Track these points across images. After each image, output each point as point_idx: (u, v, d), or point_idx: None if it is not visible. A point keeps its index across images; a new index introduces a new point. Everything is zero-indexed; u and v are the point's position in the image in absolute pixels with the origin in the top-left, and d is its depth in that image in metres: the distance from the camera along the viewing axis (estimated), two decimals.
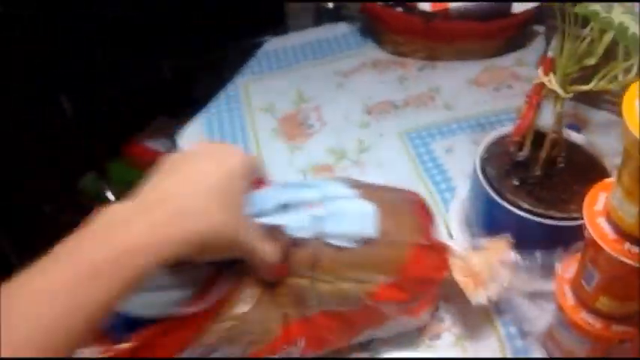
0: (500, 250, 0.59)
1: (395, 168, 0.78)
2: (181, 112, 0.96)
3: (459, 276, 0.58)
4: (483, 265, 0.58)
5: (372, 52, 0.97)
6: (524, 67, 0.92)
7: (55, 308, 0.38)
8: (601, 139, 0.70)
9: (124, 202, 0.44)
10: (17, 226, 1.15)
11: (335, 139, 0.83)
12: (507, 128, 0.66)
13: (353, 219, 0.55)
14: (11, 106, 0.96)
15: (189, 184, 0.46)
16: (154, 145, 1.39)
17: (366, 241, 0.54)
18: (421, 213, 0.60)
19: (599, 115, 0.83)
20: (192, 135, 0.86)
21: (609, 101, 0.83)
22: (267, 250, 0.50)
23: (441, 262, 0.58)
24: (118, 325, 0.48)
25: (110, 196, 1.28)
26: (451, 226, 0.69)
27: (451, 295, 0.63)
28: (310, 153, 0.81)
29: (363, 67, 0.94)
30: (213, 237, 0.45)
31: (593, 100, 0.84)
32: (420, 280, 0.56)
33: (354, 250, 0.54)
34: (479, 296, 0.57)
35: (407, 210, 0.59)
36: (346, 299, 0.54)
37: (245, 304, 0.52)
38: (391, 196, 0.60)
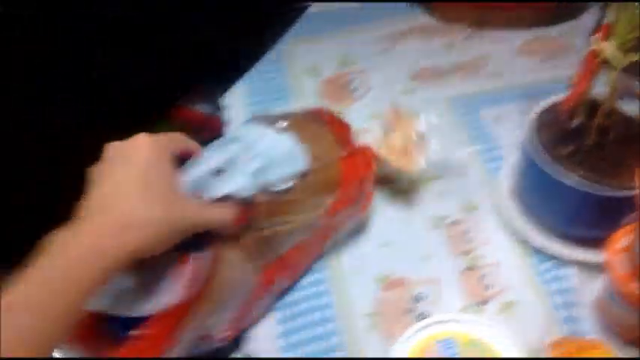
0: (411, 122, 0.70)
1: (441, 134, 0.77)
2: (227, 76, 0.96)
3: (389, 158, 0.68)
4: (403, 139, 0.69)
5: (419, 17, 0.96)
6: (575, 37, 0.89)
7: (32, 318, 0.41)
8: None
9: (62, 228, 0.46)
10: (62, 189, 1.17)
11: (380, 103, 0.82)
12: (560, 96, 0.64)
13: (284, 160, 0.59)
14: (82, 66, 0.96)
15: (116, 192, 0.47)
16: (199, 108, 1.40)
17: (304, 174, 0.59)
18: (336, 125, 0.67)
19: None
20: (237, 98, 0.86)
21: None
22: (219, 213, 0.53)
23: (367, 160, 0.66)
24: (117, 327, 0.50)
25: None
26: (499, 196, 0.69)
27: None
28: (354, 117, 0.81)
29: (409, 32, 0.93)
30: (157, 236, 0.47)
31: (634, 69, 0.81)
32: (358, 183, 0.64)
33: (297, 186, 0.59)
34: (417, 164, 0.68)
35: (324, 129, 0.65)
36: (307, 228, 0.61)
37: (224, 269, 0.54)
38: (305, 120, 0.65)
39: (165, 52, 1.10)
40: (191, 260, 0.52)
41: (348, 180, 0.63)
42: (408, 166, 0.68)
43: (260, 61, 0.92)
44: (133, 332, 0.49)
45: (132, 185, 0.47)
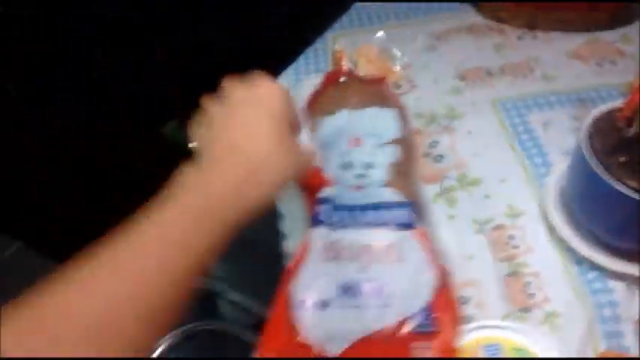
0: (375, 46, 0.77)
1: (487, 137, 0.76)
2: (271, 67, 0.95)
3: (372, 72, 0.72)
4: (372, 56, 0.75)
5: (468, 16, 0.94)
6: (630, 44, 0.87)
7: (168, 250, 0.42)
8: None
9: (193, 165, 0.47)
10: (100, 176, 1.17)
11: (424, 102, 0.81)
12: (616, 103, 0.62)
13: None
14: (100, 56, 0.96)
15: (247, 136, 0.49)
16: None
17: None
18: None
19: None
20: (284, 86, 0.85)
21: None
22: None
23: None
24: None
25: (192, 144, 1.30)
26: (546, 203, 0.67)
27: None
28: None
29: (457, 31, 0.91)
30: (284, 181, 0.50)
31: None
32: None
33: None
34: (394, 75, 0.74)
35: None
36: None
37: None
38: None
39: (129, 36, 1.08)
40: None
41: None
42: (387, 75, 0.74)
43: (301, 57, 0.91)
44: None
45: (265, 129, 0.49)
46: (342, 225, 0.58)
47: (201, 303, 0.77)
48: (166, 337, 0.74)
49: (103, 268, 0.39)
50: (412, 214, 0.57)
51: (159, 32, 1.01)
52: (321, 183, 0.62)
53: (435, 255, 0.56)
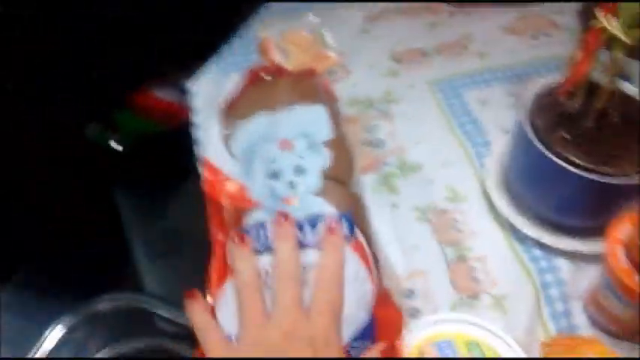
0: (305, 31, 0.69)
1: (425, 120, 0.73)
2: (192, 60, 0.90)
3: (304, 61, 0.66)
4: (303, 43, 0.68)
5: None
6: (564, 15, 0.86)
7: None
8: None
9: None
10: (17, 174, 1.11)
11: (360, 88, 0.78)
12: (556, 77, 0.60)
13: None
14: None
15: None
16: (162, 94, 1.34)
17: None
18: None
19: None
20: (204, 84, 0.80)
21: None
22: None
23: None
24: None
25: (116, 146, 1.23)
26: (487, 183, 0.65)
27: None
28: None
29: (389, 12, 0.88)
30: None
31: (632, 51, 0.78)
32: None
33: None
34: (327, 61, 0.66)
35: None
36: None
37: None
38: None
39: (125, 35, 1.04)
40: None
41: None
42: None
43: (228, 42, 0.86)
44: None
45: None
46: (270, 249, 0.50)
47: (136, 322, 0.72)
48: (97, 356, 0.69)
49: None
50: (349, 226, 0.52)
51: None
52: (244, 204, 0.54)
53: (371, 264, 0.52)
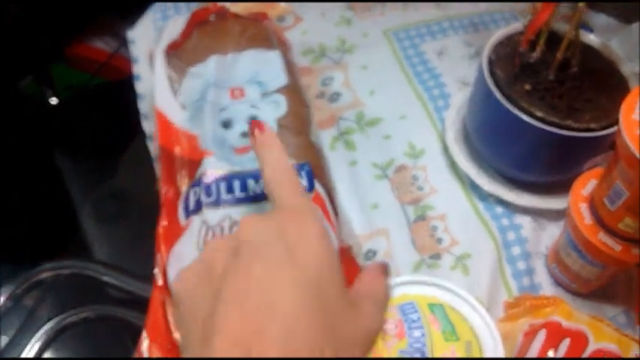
0: None
1: (382, 71, 0.70)
2: (129, 9, 0.83)
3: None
4: None
5: None
6: None
7: None
8: None
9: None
10: None
11: (312, 36, 0.73)
12: (516, 26, 0.58)
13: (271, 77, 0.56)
14: None
15: (266, 320, 0.28)
16: (99, 44, 1.26)
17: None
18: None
19: (601, 19, 0.76)
20: (145, 30, 0.74)
21: (613, 5, 0.76)
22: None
23: None
24: None
25: (52, 100, 1.16)
26: (447, 136, 0.62)
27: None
28: None
29: None
30: None
31: (596, 3, 0.76)
32: None
33: None
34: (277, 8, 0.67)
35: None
36: None
37: None
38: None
39: None
40: None
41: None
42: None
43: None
44: None
45: (297, 308, 0.28)
46: (227, 202, 0.48)
47: (85, 289, 0.68)
48: (41, 330, 0.65)
49: None
50: (308, 178, 0.49)
51: None
52: (196, 155, 0.50)
53: (332, 219, 0.49)
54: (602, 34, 0.73)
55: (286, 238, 0.31)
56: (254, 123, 0.41)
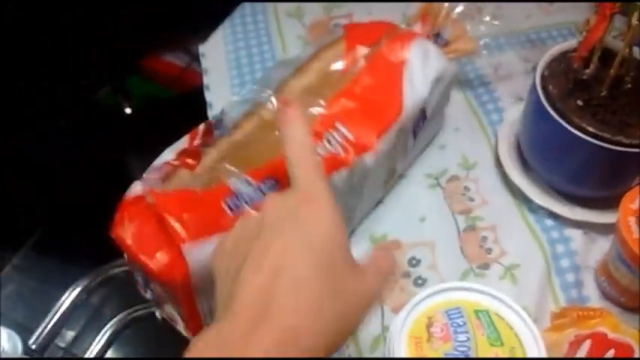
0: None
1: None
2: (201, 25, 0.89)
3: None
4: None
5: None
6: None
7: None
8: None
9: (217, 326, 0.35)
10: (32, 139, 1.11)
11: None
12: (570, 43, 0.59)
13: None
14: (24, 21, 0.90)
15: (286, 285, 0.34)
16: (171, 58, 1.34)
17: None
18: None
19: None
20: (216, 45, 0.79)
21: None
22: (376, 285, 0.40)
23: None
24: None
25: (127, 109, 1.24)
26: (499, 149, 0.64)
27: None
28: None
29: None
30: (327, 347, 0.35)
31: None
32: None
33: None
34: None
35: None
36: None
37: None
38: None
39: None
40: None
41: None
42: None
43: (240, 4, 0.84)
44: None
45: (311, 272, 0.34)
46: None
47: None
48: (111, 322, 0.69)
49: None
50: None
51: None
52: None
53: None
54: None
55: (298, 217, 0.37)
56: (281, 100, 0.44)
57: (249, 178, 0.50)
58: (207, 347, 0.34)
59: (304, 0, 0.82)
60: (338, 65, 0.58)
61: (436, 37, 0.63)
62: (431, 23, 0.63)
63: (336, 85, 0.56)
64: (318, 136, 0.53)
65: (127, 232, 0.48)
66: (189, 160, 0.51)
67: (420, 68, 0.58)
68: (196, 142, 0.53)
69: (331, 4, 0.82)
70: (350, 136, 0.54)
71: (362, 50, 0.59)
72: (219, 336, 0.34)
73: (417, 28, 0.64)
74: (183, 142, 0.54)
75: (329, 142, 0.53)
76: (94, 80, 1.22)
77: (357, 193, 0.56)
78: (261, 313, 0.33)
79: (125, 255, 0.49)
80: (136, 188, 0.50)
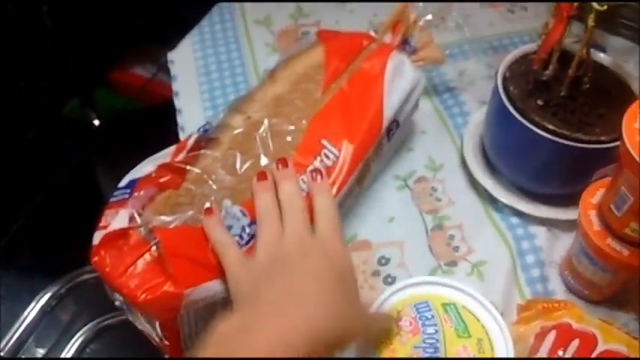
0: None
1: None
2: (169, 36, 0.89)
3: None
4: None
5: None
6: None
7: None
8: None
9: (230, 319, 0.41)
10: None
11: None
12: (530, 46, 0.61)
13: None
14: None
15: (305, 288, 0.43)
16: (139, 70, 1.34)
17: None
18: None
19: (617, 42, 0.79)
20: (185, 54, 0.80)
21: (626, 26, 0.79)
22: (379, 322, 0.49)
23: None
24: None
25: (96, 121, 1.23)
26: (465, 151, 0.66)
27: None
28: None
29: None
30: (336, 344, 0.42)
31: (609, 25, 0.79)
32: None
33: None
34: None
35: None
36: None
37: None
38: None
39: (98, 11, 1.03)
40: None
41: None
42: None
43: (208, 13, 0.85)
44: None
45: (328, 283, 0.43)
46: None
47: None
48: (81, 331, 0.69)
49: None
50: None
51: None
52: None
53: None
54: (619, 55, 0.76)
55: (324, 251, 0.46)
56: (278, 160, 0.51)
57: (244, 210, 0.50)
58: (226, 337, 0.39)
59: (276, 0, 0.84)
60: (318, 77, 0.59)
61: (404, 45, 0.65)
62: (401, 32, 0.65)
63: (315, 100, 0.57)
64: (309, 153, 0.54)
65: (112, 261, 0.47)
66: (172, 177, 0.51)
67: (396, 81, 0.60)
68: (180, 156, 0.53)
69: (300, 11, 0.84)
70: (336, 155, 0.55)
71: (342, 64, 0.60)
72: (239, 330, 0.40)
73: (388, 37, 0.64)
74: (165, 155, 0.54)
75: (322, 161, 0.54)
76: (61, 94, 1.21)
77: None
78: (285, 307, 0.41)
79: (106, 284, 0.48)
80: (124, 219, 0.48)
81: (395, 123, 0.60)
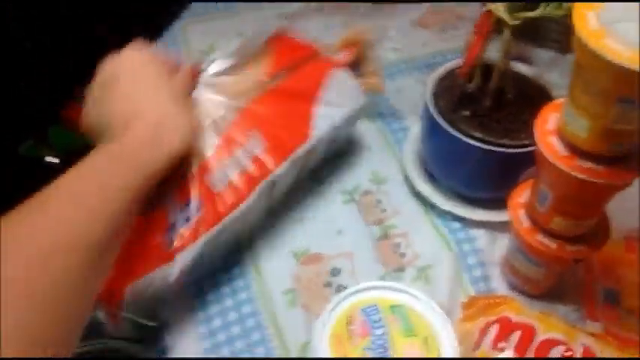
0: None
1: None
2: None
3: None
4: None
5: None
6: (469, 7, 0.92)
7: (85, 186, 0.46)
8: (546, 76, 0.71)
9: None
10: None
11: None
12: (456, 62, 0.66)
13: None
14: None
15: (144, 100, 0.53)
16: None
17: None
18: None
19: (543, 54, 0.84)
20: None
21: (553, 39, 0.85)
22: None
23: None
24: None
25: (52, 160, 1.23)
26: (406, 165, 0.70)
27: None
28: None
29: (307, 10, 0.92)
30: (186, 138, 0.53)
31: (537, 39, 0.85)
32: None
33: None
34: None
35: None
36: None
37: None
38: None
39: (47, 50, 1.04)
40: None
41: None
42: None
43: (154, 45, 0.88)
44: None
45: (158, 93, 0.54)
46: None
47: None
48: None
49: (32, 214, 0.43)
50: None
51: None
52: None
53: None
54: (546, 66, 0.82)
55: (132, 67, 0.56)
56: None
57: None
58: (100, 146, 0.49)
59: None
60: (260, 75, 0.63)
61: (353, 68, 0.69)
62: (352, 54, 0.69)
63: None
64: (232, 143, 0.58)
65: None
66: None
67: (335, 98, 0.64)
68: None
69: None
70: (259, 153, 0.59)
71: (282, 68, 0.64)
72: (109, 140, 0.50)
73: (339, 56, 0.68)
74: None
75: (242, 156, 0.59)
76: (14, 134, 1.21)
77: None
78: (136, 116, 0.51)
79: None
80: None
81: (331, 140, 0.64)
